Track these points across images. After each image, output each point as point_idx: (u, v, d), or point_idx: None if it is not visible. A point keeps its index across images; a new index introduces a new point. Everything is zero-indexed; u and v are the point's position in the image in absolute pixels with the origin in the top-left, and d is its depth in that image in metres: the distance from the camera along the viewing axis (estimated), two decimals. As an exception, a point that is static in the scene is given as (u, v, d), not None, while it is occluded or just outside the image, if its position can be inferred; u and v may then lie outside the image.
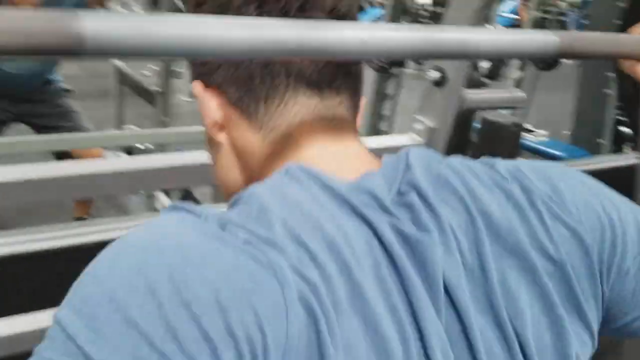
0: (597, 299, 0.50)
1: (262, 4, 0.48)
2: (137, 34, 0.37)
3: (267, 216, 0.41)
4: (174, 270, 0.36)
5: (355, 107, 0.54)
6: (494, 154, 0.59)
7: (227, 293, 0.36)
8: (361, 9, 9.24)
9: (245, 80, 0.50)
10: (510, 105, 1.28)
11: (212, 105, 0.51)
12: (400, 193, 0.47)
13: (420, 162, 0.50)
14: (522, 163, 0.54)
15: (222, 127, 0.52)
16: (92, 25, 0.35)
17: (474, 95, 1.07)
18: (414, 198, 0.46)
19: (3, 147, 1.99)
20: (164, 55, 0.39)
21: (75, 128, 2.23)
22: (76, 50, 0.35)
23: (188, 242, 0.38)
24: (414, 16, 4.41)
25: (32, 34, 0.34)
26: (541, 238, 0.48)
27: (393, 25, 0.48)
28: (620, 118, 2.71)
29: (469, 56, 0.51)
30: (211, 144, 0.55)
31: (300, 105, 0.50)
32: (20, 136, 2.21)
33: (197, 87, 0.52)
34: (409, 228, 0.44)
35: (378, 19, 7.45)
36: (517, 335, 0.45)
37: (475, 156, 0.56)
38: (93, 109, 2.99)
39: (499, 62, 4.16)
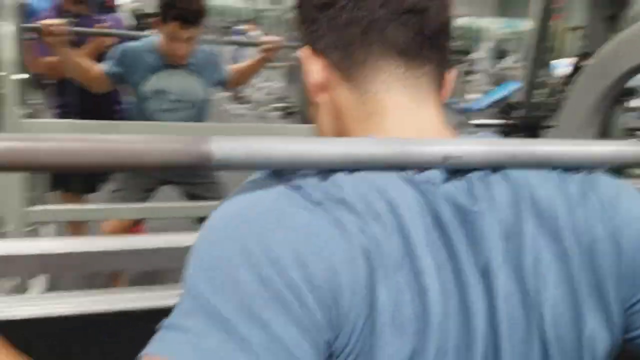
0: (622, 303, 0.53)
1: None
2: (249, 152, 0.47)
3: (340, 180, 0.49)
4: (261, 237, 0.46)
5: (440, 79, 0.59)
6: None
7: (304, 250, 0.45)
8: (500, 82, 9.17)
9: (345, 46, 0.56)
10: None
11: (317, 67, 0.58)
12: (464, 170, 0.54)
13: None
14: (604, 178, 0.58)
15: (323, 88, 0.59)
16: (216, 146, 0.46)
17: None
18: (474, 174, 0.53)
19: (149, 211, 2.29)
20: (274, 167, 0.48)
21: (215, 200, 2.46)
22: (206, 165, 0.46)
23: (271, 211, 0.48)
24: (551, 90, 4.32)
25: (172, 154, 0.45)
26: (582, 231, 0.52)
27: (477, 140, 0.54)
28: None
29: (551, 166, 0.55)
30: (314, 105, 0.62)
31: (389, 74, 0.56)
32: (163, 202, 2.49)
33: (305, 51, 0.59)
34: (463, 198, 0.51)
35: (516, 90, 7.35)
36: (538, 307, 0.50)
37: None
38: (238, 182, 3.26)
39: None
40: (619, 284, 0.53)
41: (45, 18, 2.19)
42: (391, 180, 0.50)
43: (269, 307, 0.43)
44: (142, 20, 4.46)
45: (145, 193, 2.46)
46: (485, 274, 0.50)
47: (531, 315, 0.50)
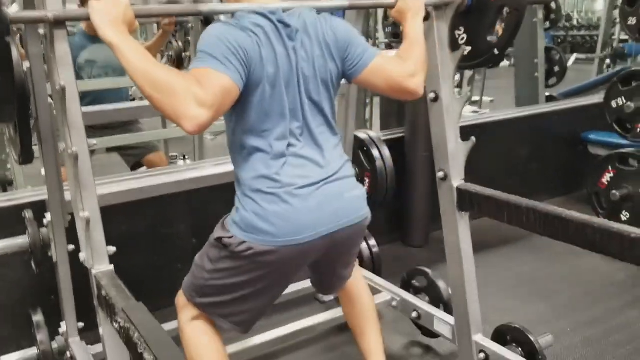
0: (342, 58, 1.60)
1: None
2: (215, 9, 1.49)
3: (243, 18, 1.47)
4: (222, 34, 1.40)
5: None
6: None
7: (237, 38, 1.40)
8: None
9: None
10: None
11: None
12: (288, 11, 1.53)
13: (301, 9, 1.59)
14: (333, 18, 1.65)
15: None
16: (204, 7, 1.47)
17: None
18: (287, 12, 1.53)
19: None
20: (219, 14, 1.50)
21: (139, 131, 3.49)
22: (195, 13, 1.47)
23: (223, 28, 1.43)
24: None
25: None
26: (322, 31, 1.56)
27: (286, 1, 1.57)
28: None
29: (315, 10, 1.61)
30: None
31: None
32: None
33: None
34: (285, 19, 1.50)
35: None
36: (314, 60, 1.55)
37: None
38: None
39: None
40: (338, 49, 1.58)
41: None
42: (259, 16, 1.48)
43: (228, 54, 1.36)
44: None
45: None
46: (294, 46, 1.50)
47: (310, 61, 1.53)
